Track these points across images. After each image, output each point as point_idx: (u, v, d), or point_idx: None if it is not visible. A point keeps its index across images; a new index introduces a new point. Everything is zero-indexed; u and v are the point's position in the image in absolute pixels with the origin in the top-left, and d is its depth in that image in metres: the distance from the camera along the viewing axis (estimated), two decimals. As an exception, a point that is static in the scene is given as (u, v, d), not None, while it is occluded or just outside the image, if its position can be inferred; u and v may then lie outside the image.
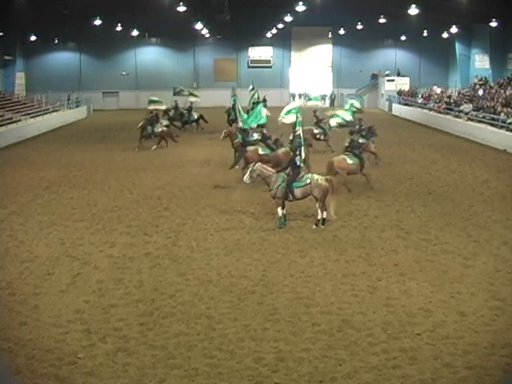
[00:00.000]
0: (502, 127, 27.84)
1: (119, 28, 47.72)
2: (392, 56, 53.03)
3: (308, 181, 13.73)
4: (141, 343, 8.35)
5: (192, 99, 34.29)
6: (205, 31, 49.65)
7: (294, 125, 15.13)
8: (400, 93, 46.93)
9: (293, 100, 42.20)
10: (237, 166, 20.20)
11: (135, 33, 49.89)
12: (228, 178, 19.77)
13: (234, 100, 25.45)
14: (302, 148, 14.14)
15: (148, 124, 26.88)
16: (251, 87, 33.04)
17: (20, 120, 32.89)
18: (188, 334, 8.60)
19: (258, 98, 31.71)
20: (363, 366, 7.71)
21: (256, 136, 20.99)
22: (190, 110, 33.47)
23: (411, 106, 43.00)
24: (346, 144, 18.59)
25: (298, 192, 13.81)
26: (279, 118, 19.59)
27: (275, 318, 9.12)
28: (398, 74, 50.54)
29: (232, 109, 25.86)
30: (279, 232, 13.53)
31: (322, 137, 25.08)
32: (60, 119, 38.97)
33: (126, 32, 48.72)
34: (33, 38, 47.02)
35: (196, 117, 33.05)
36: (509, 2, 30.81)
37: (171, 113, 32.69)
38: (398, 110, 44.77)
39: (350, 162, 17.27)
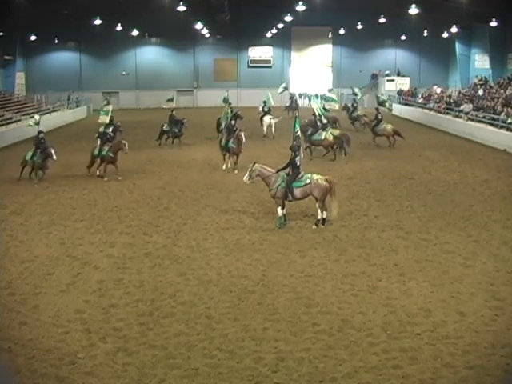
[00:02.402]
0: (502, 127, 27.84)
1: (119, 28, 47.69)
2: (392, 56, 53.04)
3: (308, 181, 13.73)
4: (141, 343, 8.35)
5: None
6: (205, 31, 49.66)
7: (293, 125, 15.13)
8: (400, 93, 46.92)
9: (293, 99, 42.45)
10: (223, 167, 21.18)
11: (135, 33, 49.91)
12: (228, 178, 19.81)
13: (227, 104, 25.02)
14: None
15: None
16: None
17: (20, 120, 32.88)
18: (188, 334, 8.60)
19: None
20: (363, 365, 7.71)
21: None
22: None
23: (411, 105, 43.01)
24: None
25: (297, 192, 13.81)
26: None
27: (275, 317, 9.12)
28: (398, 74, 50.52)
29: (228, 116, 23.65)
30: (279, 232, 13.53)
31: None
32: (60, 119, 38.94)
33: (126, 32, 48.71)
34: (33, 37, 46.98)
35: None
36: (509, 2, 30.82)
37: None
38: (398, 109, 44.73)
39: None
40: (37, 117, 21.35)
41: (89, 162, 20.45)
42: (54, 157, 19.27)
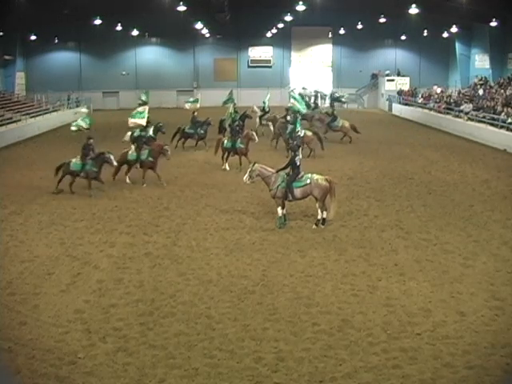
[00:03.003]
0: (502, 127, 27.84)
1: (119, 28, 47.61)
2: (392, 56, 52.99)
3: (308, 181, 13.74)
4: (141, 343, 8.35)
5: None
6: (205, 31, 49.63)
7: (294, 125, 15.16)
8: (400, 93, 46.94)
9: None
10: (226, 167, 21.15)
11: (135, 33, 49.85)
12: (228, 178, 19.82)
13: (232, 104, 24.84)
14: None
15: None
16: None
17: (20, 120, 32.89)
18: (188, 334, 8.60)
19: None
20: (363, 365, 7.72)
21: None
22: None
23: (411, 105, 43.02)
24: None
25: (297, 192, 13.82)
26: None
27: (275, 317, 9.12)
28: (398, 74, 50.52)
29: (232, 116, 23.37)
30: (279, 232, 13.53)
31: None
32: (60, 119, 38.92)
33: (126, 32, 48.65)
34: (33, 37, 46.92)
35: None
36: (509, 1, 30.78)
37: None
38: (398, 109, 44.78)
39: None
40: (81, 122, 18.74)
41: (115, 169, 18.39)
42: (115, 163, 17.54)
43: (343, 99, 33.11)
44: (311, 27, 50.54)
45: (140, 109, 20.24)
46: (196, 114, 26.59)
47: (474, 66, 44.74)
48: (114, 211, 15.63)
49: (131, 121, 19.81)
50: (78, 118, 19.39)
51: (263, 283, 10.50)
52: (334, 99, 30.96)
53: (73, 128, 18.81)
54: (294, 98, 24.37)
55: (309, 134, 23.36)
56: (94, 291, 10.20)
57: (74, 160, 17.58)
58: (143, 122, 19.75)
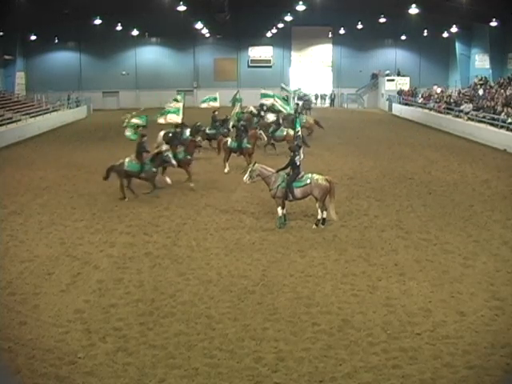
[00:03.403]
0: (502, 127, 27.86)
1: (119, 28, 47.72)
2: (392, 56, 53.04)
3: (308, 181, 13.74)
4: (141, 343, 8.35)
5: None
6: (205, 31, 49.72)
7: (294, 125, 15.18)
8: (400, 92, 46.95)
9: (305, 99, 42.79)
10: (226, 169, 20.76)
11: (135, 33, 49.95)
12: (228, 178, 19.82)
13: (239, 104, 24.89)
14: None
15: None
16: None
17: (20, 120, 32.91)
18: (188, 334, 8.60)
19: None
20: (363, 365, 7.72)
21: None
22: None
23: (411, 105, 43.04)
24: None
25: (298, 192, 13.82)
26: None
27: (275, 317, 9.12)
28: (398, 74, 50.58)
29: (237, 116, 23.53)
30: (279, 232, 13.53)
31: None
32: (60, 119, 38.98)
33: (126, 32, 48.74)
34: (33, 37, 47.02)
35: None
36: (509, 1, 30.78)
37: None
38: (398, 109, 44.80)
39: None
40: (132, 130, 17.88)
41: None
42: (173, 162, 16.98)
43: (310, 98, 33.77)
44: (311, 27, 50.63)
45: (175, 106, 19.87)
46: (217, 113, 25.58)
47: (474, 66, 44.79)
48: (114, 211, 15.63)
49: (169, 117, 19.46)
50: (128, 123, 18.51)
51: (263, 283, 10.50)
52: (300, 98, 31.59)
53: (130, 135, 18.36)
54: (265, 96, 24.42)
55: (291, 132, 23.23)
56: (94, 291, 10.20)
57: (127, 160, 16.66)
58: (178, 119, 19.66)
